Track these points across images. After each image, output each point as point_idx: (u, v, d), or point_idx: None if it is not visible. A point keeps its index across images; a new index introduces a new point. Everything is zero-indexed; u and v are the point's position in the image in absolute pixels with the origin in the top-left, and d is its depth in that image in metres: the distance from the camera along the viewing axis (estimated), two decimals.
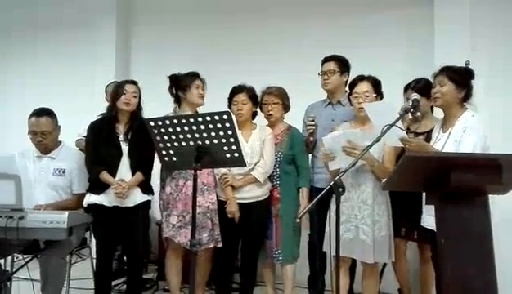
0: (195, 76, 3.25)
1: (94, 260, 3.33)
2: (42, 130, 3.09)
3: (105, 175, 3.09)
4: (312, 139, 3.23)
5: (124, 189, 3.05)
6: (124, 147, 3.15)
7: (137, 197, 3.15)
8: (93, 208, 3.11)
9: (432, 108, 3.17)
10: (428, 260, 3.10)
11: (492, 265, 1.96)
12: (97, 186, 3.12)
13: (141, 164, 3.15)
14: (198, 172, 2.94)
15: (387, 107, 2.54)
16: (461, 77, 2.62)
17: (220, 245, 3.18)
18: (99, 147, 3.13)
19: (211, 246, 3.14)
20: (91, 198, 3.12)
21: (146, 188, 3.22)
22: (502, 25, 3.84)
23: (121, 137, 3.16)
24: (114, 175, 3.10)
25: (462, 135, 2.52)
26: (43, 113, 3.13)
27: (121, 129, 3.19)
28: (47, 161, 3.16)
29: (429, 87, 2.80)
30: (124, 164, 3.13)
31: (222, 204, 3.19)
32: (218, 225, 3.18)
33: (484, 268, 1.95)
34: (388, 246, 2.86)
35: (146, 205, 3.24)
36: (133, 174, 3.14)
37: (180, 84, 3.24)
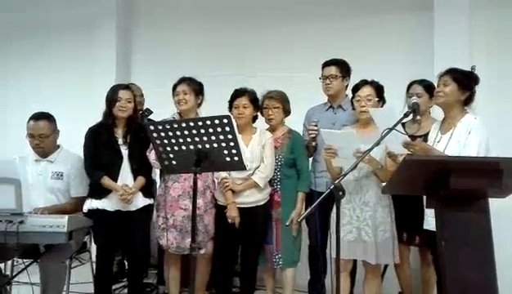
0: (177, 83, 3.23)
1: (94, 265, 3.33)
2: (39, 133, 3.10)
3: (107, 181, 3.10)
4: (314, 143, 3.24)
5: (130, 194, 3.07)
6: (124, 151, 3.16)
7: (139, 201, 3.17)
8: (95, 213, 3.11)
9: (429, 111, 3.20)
10: (429, 263, 3.10)
11: (493, 267, 1.96)
12: (98, 191, 3.12)
13: (142, 168, 3.16)
14: (187, 175, 2.97)
15: (391, 112, 2.56)
16: (466, 80, 2.65)
17: (203, 252, 3.17)
18: (99, 152, 3.14)
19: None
20: (92, 204, 3.12)
21: (147, 191, 3.23)
22: (501, 29, 3.84)
23: (120, 141, 3.17)
24: (115, 180, 3.11)
25: (467, 137, 2.54)
26: (42, 116, 3.15)
27: (120, 133, 3.19)
28: (46, 164, 3.17)
29: (433, 87, 2.83)
30: (125, 168, 3.15)
31: (221, 209, 3.18)
32: (204, 232, 3.16)
33: (485, 270, 1.95)
34: (392, 248, 2.87)
35: (148, 209, 3.25)
36: (135, 178, 3.15)
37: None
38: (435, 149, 2.64)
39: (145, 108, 3.87)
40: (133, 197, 3.10)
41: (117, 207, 3.11)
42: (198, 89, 3.23)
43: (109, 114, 3.18)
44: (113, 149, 3.14)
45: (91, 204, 3.13)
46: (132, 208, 3.14)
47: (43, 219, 2.72)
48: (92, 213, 3.12)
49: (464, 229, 1.97)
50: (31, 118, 3.14)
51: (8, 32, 5.65)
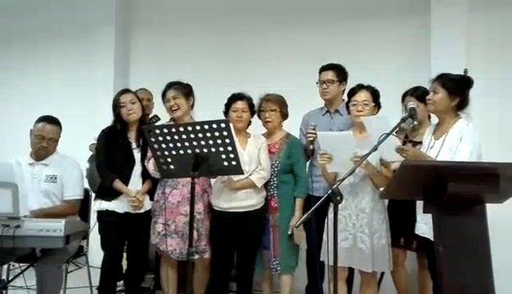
0: (165, 89, 3.20)
1: (91, 269, 3.34)
2: (50, 136, 3.12)
3: (119, 184, 3.12)
4: (311, 147, 3.23)
5: (141, 202, 3.11)
6: (137, 154, 3.19)
7: (146, 204, 3.19)
8: (104, 215, 3.15)
9: (429, 116, 3.19)
10: (426, 268, 3.09)
11: (490, 273, 1.97)
12: (108, 193, 3.15)
13: None
14: (185, 181, 2.95)
15: (383, 121, 2.55)
16: (456, 86, 2.61)
17: (207, 257, 3.17)
18: (112, 153, 3.16)
19: (196, 257, 3.09)
20: (102, 205, 3.16)
21: (153, 194, 3.24)
22: (499, 33, 3.87)
23: (133, 145, 3.20)
24: (126, 182, 3.14)
25: (458, 144, 2.52)
26: (53, 121, 3.17)
27: (133, 136, 3.22)
28: (40, 168, 3.16)
29: (427, 94, 2.82)
30: (137, 171, 3.18)
31: (217, 214, 3.17)
32: (205, 236, 3.16)
33: (482, 276, 1.95)
34: (388, 255, 2.86)
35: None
36: (143, 181, 3.18)
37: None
38: (427, 155, 2.63)
39: (153, 114, 3.88)
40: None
41: (126, 208, 3.13)
42: (187, 91, 3.21)
43: (118, 121, 3.21)
44: (126, 152, 3.17)
45: (100, 205, 3.16)
46: (141, 211, 3.16)
47: (40, 223, 2.70)
48: (101, 214, 3.16)
49: (462, 233, 1.98)
50: (42, 120, 3.14)
51: (8, 35, 5.65)
